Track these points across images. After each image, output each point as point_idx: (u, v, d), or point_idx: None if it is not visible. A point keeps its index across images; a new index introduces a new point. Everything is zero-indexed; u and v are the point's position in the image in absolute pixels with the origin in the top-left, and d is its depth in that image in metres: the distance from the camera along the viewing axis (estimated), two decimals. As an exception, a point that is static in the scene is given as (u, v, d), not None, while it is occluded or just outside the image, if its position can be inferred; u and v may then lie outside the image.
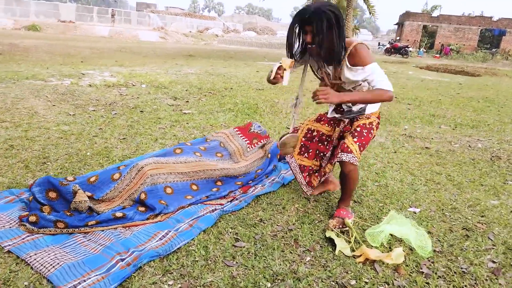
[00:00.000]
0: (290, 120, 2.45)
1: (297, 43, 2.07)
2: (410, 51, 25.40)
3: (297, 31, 2.00)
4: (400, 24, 31.12)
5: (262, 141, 3.07)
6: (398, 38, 29.76)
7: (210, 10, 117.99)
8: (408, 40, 30.02)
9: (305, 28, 1.94)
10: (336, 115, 2.28)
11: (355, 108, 2.19)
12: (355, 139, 2.12)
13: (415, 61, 20.76)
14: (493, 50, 28.90)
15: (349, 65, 2.00)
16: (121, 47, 15.35)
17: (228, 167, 2.58)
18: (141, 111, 4.38)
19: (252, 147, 2.96)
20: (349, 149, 2.09)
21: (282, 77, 1.99)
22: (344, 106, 2.22)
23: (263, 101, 5.51)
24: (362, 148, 2.13)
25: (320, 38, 1.88)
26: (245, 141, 2.98)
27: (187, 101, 5.13)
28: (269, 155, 2.93)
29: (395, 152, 3.73)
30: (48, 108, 4.09)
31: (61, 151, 2.94)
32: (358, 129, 2.15)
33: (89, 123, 3.74)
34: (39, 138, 3.18)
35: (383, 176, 3.05)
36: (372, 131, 2.18)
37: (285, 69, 1.97)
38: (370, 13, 11.99)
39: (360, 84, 2.09)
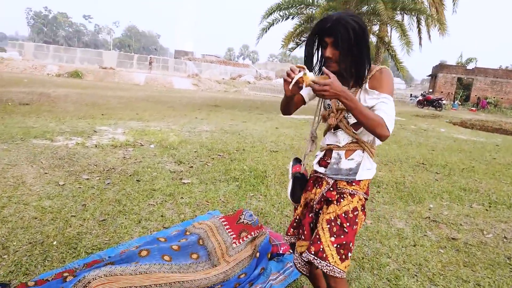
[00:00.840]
0: (303, 158, 2.03)
1: (315, 58, 1.75)
2: (444, 103, 24.61)
3: (316, 43, 1.69)
4: (433, 76, 30.56)
5: (253, 233, 2.66)
6: (431, 90, 29.09)
7: (245, 58, 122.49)
8: (441, 92, 29.28)
9: (325, 40, 1.64)
10: (319, 169, 1.86)
11: (345, 165, 1.77)
12: (333, 238, 1.68)
13: (449, 115, 19.99)
14: (534, 104, 27.56)
15: (367, 87, 1.69)
16: (149, 96, 15.72)
17: (201, 277, 2.16)
18: (137, 181, 4.11)
19: (238, 243, 2.55)
20: (324, 255, 1.66)
21: (299, 87, 1.63)
22: (333, 156, 1.80)
23: (273, 167, 5.14)
24: (344, 251, 1.68)
25: (342, 52, 1.60)
26: (231, 235, 2.58)
27: (191, 166, 4.84)
28: (258, 254, 2.50)
29: (415, 245, 3.19)
30: (39, 177, 3.90)
31: (27, 237, 2.65)
32: (339, 220, 1.70)
33: (75, 197, 3.49)
34: (12, 218, 2.92)
35: (396, 284, 2.53)
36: (357, 221, 1.74)
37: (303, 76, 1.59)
38: (398, 69, 11.66)
39: None
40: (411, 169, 5.93)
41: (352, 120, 1.74)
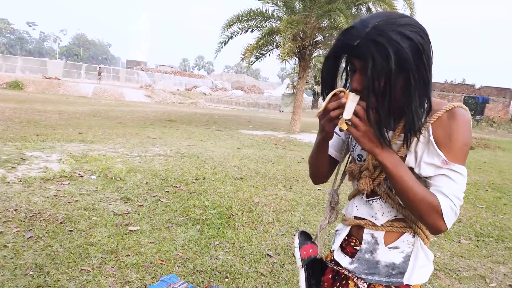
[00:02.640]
0: (318, 232, 1.35)
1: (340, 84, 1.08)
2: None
3: (338, 64, 1.04)
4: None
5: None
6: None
7: (200, 69, 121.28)
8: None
9: (353, 62, 1.00)
10: (342, 259, 1.21)
11: (384, 258, 1.12)
12: None
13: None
14: (478, 117, 29.14)
15: (432, 139, 1.01)
16: (96, 110, 14.45)
17: None
18: (70, 231, 3.22)
19: None
20: None
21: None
22: (365, 239, 1.15)
23: (239, 201, 4.43)
24: None
25: (380, 85, 0.93)
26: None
27: (141, 205, 4.01)
28: None
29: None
30: None
31: None
32: None
33: (-23, 264, 2.56)
34: None
35: None
36: None
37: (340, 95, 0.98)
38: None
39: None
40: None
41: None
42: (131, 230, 3.36)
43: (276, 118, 20.05)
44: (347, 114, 0.97)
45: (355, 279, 1.16)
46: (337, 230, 1.31)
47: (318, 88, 27.98)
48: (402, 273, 1.11)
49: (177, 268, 2.82)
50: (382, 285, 1.12)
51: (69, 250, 2.89)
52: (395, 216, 1.12)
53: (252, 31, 11.44)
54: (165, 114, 16.28)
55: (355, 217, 1.20)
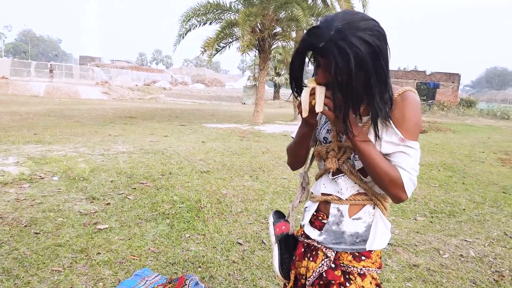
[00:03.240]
0: (290, 210, 1.50)
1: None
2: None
3: (305, 60, 1.16)
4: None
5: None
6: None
7: (158, 63, 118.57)
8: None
9: (317, 59, 1.13)
10: (311, 232, 1.33)
11: (349, 228, 1.25)
12: None
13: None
14: (430, 101, 30.66)
15: (390, 121, 1.14)
16: (50, 110, 13.86)
17: None
18: (36, 233, 3.16)
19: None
20: None
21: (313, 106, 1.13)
22: (331, 212, 1.28)
23: (208, 193, 4.49)
24: None
25: (342, 80, 1.05)
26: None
27: (108, 203, 3.98)
28: None
29: (381, 282, 2.82)
30: None
31: None
32: None
33: None
34: None
35: None
36: None
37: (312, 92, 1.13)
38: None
39: None
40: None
41: (359, 163, 1.22)
42: (99, 229, 3.34)
43: (239, 111, 20.12)
44: (318, 107, 1.11)
45: (323, 249, 1.28)
46: (306, 207, 1.44)
47: (278, 79, 28.28)
48: (364, 241, 1.25)
49: (150, 262, 2.86)
50: (347, 252, 1.26)
51: (37, 252, 2.84)
52: (357, 190, 1.25)
53: (210, 23, 11.38)
54: (125, 110, 15.89)
55: (323, 194, 1.32)
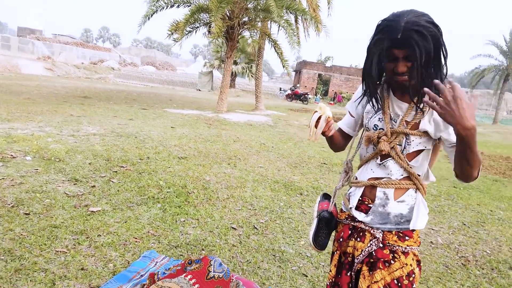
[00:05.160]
0: (333, 194, 1.67)
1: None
2: (309, 97, 26.87)
3: (381, 59, 1.33)
4: (297, 71, 33.07)
5: (226, 288, 2.13)
6: (298, 85, 31.44)
7: (105, 41, 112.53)
8: (305, 86, 31.93)
9: (393, 53, 1.28)
10: (358, 215, 1.48)
11: (394, 209, 1.41)
12: None
13: (315, 109, 21.80)
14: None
15: None
16: (-4, 84, 12.79)
17: None
18: (26, 214, 3.05)
19: (214, 305, 1.99)
20: None
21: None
22: (378, 196, 1.43)
23: (191, 179, 4.54)
24: None
25: (418, 67, 1.25)
26: (204, 297, 2.01)
27: (93, 186, 3.89)
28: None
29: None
30: None
31: None
32: None
33: None
34: None
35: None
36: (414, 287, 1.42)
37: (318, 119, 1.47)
38: (283, 66, 12.03)
39: (423, 150, 1.40)
40: (318, 170, 6.04)
41: (412, 147, 1.38)
42: (92, 211, 3.29)
43: (196, 97, 19.87)
44: (317, 135, 1.45)
45: (371, 231, 1.44)
46: (349, 192, 1.58)
47: (235, 68, 28.25)
48: (408, 221, 1.42)
49: (153, 244, 2.90)
50: (392, 232, 1.42)
51: (34, 233, 2.76)
52: (402, 174, 1.42)
53: (178, 6, 11.12)
54: (77, 90, 15.08)
55: (369, 179, 1.48)
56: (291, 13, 11.31)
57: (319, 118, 1.44)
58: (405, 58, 1.27)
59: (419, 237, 1.47)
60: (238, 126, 9.92)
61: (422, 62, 1.24)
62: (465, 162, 1.21)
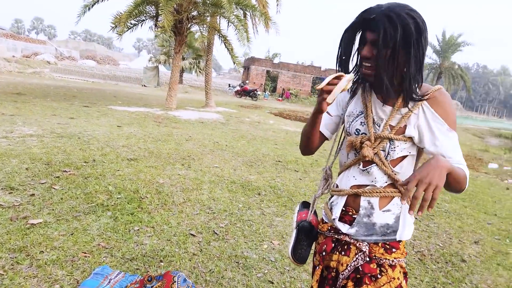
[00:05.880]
0: (312, 202, 1.55)
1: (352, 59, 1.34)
2: (258, 94, 26.97)
3: (355, 39, 1.29)
4: (246, 68, 33.04)
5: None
6: (247, 81, 31.42)
7: (39, 33, 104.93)
8: (254, 83, 32.01)
9: (366, 36, 1.24)
10: (342, 226, 1.37)
11: (379, 220, 1.33)
12: None
13: (265, 105, 21.95)
14: (324, 95, 33.27)
15: (434, 112, 1.26)
16: None
17: None
18: (-49, 232, 2.63)
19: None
20: None
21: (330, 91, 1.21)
22: (362, 205, 1.34)
23: (143, 183, 4.26)
24: None
25: (382, 55, 1.18)
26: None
27: (32, 195, 3.50)
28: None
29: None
30: None
31: None
32: None
33: None
34: None
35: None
36: None
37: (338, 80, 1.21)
38: (234, 63, 11.85)
39: (407, 156, 1.32)
40: (274, 168, 5.99)
41: (396, 153, 1.30)
42: (32, 224, 2.93)
43: (143, 93, 19.08)
44: (334, 93, 1.19)
45: (357, 244, 1.34)
46: (331, 202, 1.47)
47: (182, 64, 27.56)
48: (395, 231, 1.33)
49: (105, 258, 2.63)
50: (378, 245, 1.33)
51: (-39, 255, 2.39)
52: (386, 182, 1.33)
53: (122, -2, 10.51)
54: (9, 85, 13.81)
55: (353, 186, 1.37)
56: (241, 8, 11.16)
57: (338, 78, 1.22)
58: (373, 44, 1.21)
59: (405, 248, 1.41)
60: (189, 124, 9.62)
61: (386, 50, 1.17)
62: (453, 185, 1.22)
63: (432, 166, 1.11)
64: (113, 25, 9.90)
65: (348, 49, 1.30)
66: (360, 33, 1.27)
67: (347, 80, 1.20)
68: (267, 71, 32.91)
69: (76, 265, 2.48)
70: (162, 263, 2.70)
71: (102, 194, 3.76)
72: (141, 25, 11.05)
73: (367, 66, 1.25)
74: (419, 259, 3.42)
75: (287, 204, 4.37)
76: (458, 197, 5.89)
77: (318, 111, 1.31)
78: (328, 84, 1.22)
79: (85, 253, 2.65)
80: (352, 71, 1.36)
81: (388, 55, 1.18)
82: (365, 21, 1.21)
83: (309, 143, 1.47)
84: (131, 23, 10.68)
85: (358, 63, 1.33)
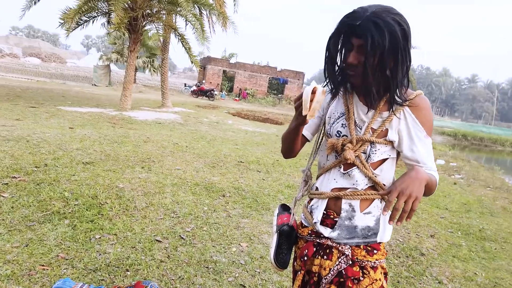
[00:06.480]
0: (293, 205, 1.53)
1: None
2: (216, 94, 26.77)
3: (336, 45, 1.27)
4: (202, 67, 32.67)
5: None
6: (203, 81, 31.06)
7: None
8: (211, 82, 31.74)
9: (351, 42, 1.21)
10: (324, 230, 1.36)
11: (361, 222, 1.33)
12: None
13: (222, 105, 21.83)
14: (279, 95, 33.72)
15: (414, 118, 1.29)
16: None
17: None
18: None
19: None
20: None
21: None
22: (343, 208, 1.34)
23: (102, 188, 4.05)
24: None
25: (370, 62, 1.17)
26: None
27: (-21, 204, 3.21)
28: None
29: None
30: None
31: None
32: None
33: None
34: None
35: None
36: None
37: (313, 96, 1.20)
38: (192, 62, 11.63)
39: (387, 159, 1.34)
40: (236, 169, 5.95)
41: (377, 156, 1.32)
42: (-20, 237, 2.68)
43: (94, 93, 18.24)
44: (312, 111, 1.20)
45: (339, 247, 1.34)
46: (312, 206, 1.45)
47: (135, 62, 26.70)
48: (375, 234, 1.35)
49: (66, 270, 2.46)
50: (360, 247, 1.34)
51: None
52: (367, 184, 1.34)
53: (70, -8, 9.95)
54: None
55: (334, 189, 1.37)
56: (198, 7, 10.99)
57: (313, 93, 1.21)
58: (358, 50, 1.20)
59: (385, 248, 1.43)
60: (146, 125, 9.32)
61: (374, 57, 1.17)
62: (426, 193, 1.27)
63: (411, 178, 1.17)
64: (62, 21, 9.35)
65: (335, 55, 1.29)
66: (343, 37, 1.24)
67: (322, 93, 1.20)
68: (224, 71, 32.76)
69: (34, 279, 2.30)
70: (128, 272, 2.57)
71: (57, 201, 3.53)
72: (93, 22, 10.55)
73: (353, 73, 1.25)
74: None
75: (252, 205, 4.35)
76: (412, 193, 6.18)
77: (300, 124, 1.31)
78: (300, 98, 1.23)
79: (43, 265, 2.46)
80: (325, 84, 1.37)
81: (376, 62, 1.18)
82: (351, 27, 1.19)
83: (292, 147, 1.46)
84: (81, 20, 10.15)
85: (341, 69, 1.32)
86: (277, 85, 34.54)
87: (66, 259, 2.59)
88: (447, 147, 17.95)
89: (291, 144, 1.45)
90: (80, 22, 10.16)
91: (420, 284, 3.07)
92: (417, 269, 3.33)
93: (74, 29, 9.68)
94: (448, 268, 3.45)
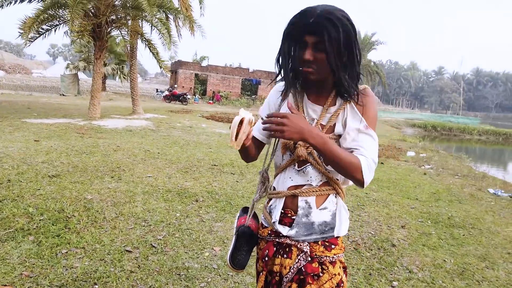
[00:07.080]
0: (251, 207, 1.54)
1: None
2: (189, 98, 26.54)
3: (290, 45, 1.29)
4: (173, 72, 32.32)
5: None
6: (175, 85, 30.72)
7: None
8: (183, 87, 31.44)
9: (305, 40, 1.23)
10: (283, 229, 1.38)
11: (317, 218, 1.35)
12: None
13: (195, 109, 21.67)
14: (253, 96, 33.78)
15: (355, 108, 1.32)
16: None
17: None
18: None
19: None
20: None
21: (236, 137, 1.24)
22: (300, 205, 1.35)
23: (69, 201, 3.93)
24: None
25: (329, 57, 1.21)
26: None
27: None
28: None
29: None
30: None
31: None
32: None
33: None
34: None
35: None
36: None
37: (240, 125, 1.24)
38: (160, 67, 11.48)
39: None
40: (210, 173, 5.92)
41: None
42: None
43: (62, 103, 17.73)
44: (238, 142, 1.24)
45: (298, 245, 1.35)
46: (270, 206, 1.47)
47: (104, 70, 26.14)
48: (332, 228, 1.36)
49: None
50: (318, 243, 1.36)
51: None
52: (321, 180, 1.36)
53: (30, 1, 9.63)
54: None
55: (290, 187, 1.38)
56: (163, 12, 10.86)
57: (241, 122, 1.24)
58: (314, 47, 1.22)
59: (343, 242, 1.45)
60: (116, 133, 9.13)
61: (333, 52, 1.20)
62: (336, 169, 1.26)
63: (308, 127, 1.19)
64: (22, 31, 9.04)
65: (289, 54, 1.31)
66: (295, 36, 1.26)
67: (248, 122, 1.23)
68: (196, 75, 32.53)
69: (-6, 301, 2.21)
70: (96, 286, 2.51)
71: (21, 217, 3.40)
72: (55, 31, 10.25)
73: (310, 70, 1.26)
74: (354, 248, 3.59)
75: (226, 208, 4.33)
76: (384, 186, 6.33)
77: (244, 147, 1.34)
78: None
79: (6, 285, 2.37)
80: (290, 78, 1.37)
81: (335, 57, 1.21)
82: (304, 25, 1.21)
83: (247, 155, 1.47)
84: (43, 29, 9.84)
85: (294, 67, 1.33)
86: (250, 86, 34.59)
87: (31, 277, 2.50)
88: (418, 138, 18.46)
89: (245, 153, 1.46)
90: (41, 32, 9.85)
91: (391, 275, 3.13)
92: (389, 260, 3.40)
93: (35, 39, 9.39)
94: (418, 257, 3.54)
